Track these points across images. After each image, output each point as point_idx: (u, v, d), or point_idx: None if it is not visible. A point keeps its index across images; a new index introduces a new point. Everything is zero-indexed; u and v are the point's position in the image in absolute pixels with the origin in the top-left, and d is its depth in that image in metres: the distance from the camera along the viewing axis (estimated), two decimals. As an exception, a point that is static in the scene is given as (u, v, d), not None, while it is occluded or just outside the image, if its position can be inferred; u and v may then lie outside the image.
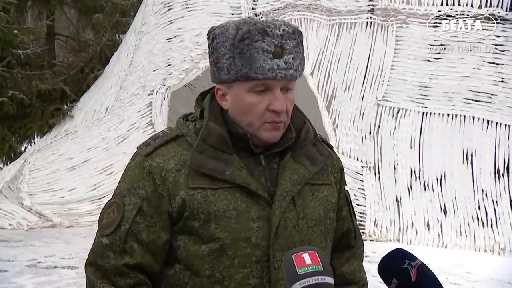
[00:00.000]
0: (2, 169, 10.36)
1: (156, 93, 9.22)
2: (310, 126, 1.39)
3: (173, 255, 1.29)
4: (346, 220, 1.47)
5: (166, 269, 1.31)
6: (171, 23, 9.59)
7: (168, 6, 9.74)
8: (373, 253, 5.79)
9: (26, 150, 11.37)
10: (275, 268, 1.26)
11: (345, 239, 1.49)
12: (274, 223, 1.26)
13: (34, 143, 11.46)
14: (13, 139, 11.20)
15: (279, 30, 1.24)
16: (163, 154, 1.29)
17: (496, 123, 7.58)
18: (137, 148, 1.35)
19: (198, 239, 1.26)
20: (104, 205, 1.35)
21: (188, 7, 9.57)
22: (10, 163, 10.54)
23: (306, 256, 1.00)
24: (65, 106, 10.85)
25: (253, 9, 9.21)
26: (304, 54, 1.31)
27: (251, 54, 1.22)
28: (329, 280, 0.98)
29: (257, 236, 1.26)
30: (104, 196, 8.34)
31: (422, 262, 1.12)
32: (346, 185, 1.50)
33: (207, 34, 1.32)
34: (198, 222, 1.25)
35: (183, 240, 1.27)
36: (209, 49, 1.32)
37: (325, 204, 1.36)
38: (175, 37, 9.48)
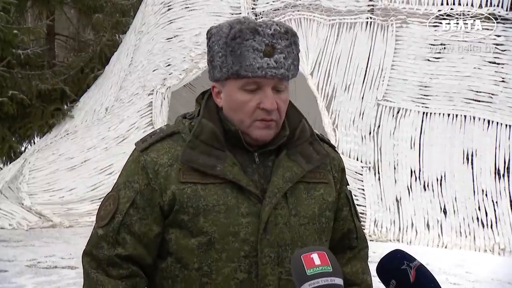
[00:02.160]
0: (2, 169, 10.36)
1: (156, 93, 9.22)
2: (307, 125, 1.39)
3: (165, 248, 1.32)
4: (346, 220, 1.47)
5: (160, 262, 1.33)
6: (171, 23, 9.59)
7: (168, 6, 9.74)
8: (373, 253, 5.76)
9: (26, 150, 11.37)
10: (263, 264, 1.27)
11: (345, 240, 1.48)
12: (263, 218, 1.27)
13: (34, 143, 11.46)
14: (13, 139, 11.20)
15: (270, 30, 1.25)
16: (158, 150, 1.32)
17: (497, 123, 7.56)
18: (135, 144, 1.39)
19: (187, 233, 1.28)
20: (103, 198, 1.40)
21: (188, 7, 9.57)
22: (10, 163, 10.54)
23: (315, 256, 0.99)
24: (65, 106, 10.85)
25: (253, 9, 9.21)
26: (299, 55, 1.31)
27: (242, 52, 1.24)
28: (339, 281, 0.97)
29: (246, 231, 1.27)
30: (104, 196, 8.32)
31: (421, 263, 1.12)
32: (348, 185, 1.50)
33: (206, 34, 1.35)
34: (187, 216, 1.27)
35: (174, 233, 1.30)
36: (207, 48, 1.35)
37: (321, 202, 1.36)
38: (175, 37, 9.48)
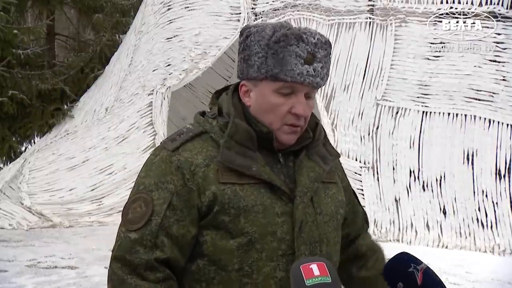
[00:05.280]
0: (2, 169, 10.36)
1: (156, 93, 9.21)
2: (322, 127, 1.45)
3: (197, 250, 1.31)
4: (361, 213, 1.61)
5: (188, 264, 1.32)
6: (171, 22, 9.59)
7: (168, 6, 9.74)
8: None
9: (26, 150, 11.37)
10: None
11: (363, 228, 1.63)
12: (298, 217, 1.31)
13: (34, 143, 11.46)
14: (13, 139, 11.21)
15: (314, 38, 1.29)
16: (190, 149, 1.32)
17: (498, 122, 7.52)
18: (161, 143, 1.37)
19: (226, 234, 1.28)
20: (127, 201, 1.35)
21: (188, 7, 9.57)
22: (10, 163, 10.54)
23: (314, 267, 1.00)
24: (65, 106, 10.86)
25: (252, 8, 9.21)
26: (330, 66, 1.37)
27: (284, 56, 1.27)
28: None
29: (282, 230, 1.30)
30: (104, 196, 8.33)
31: (428, 266, 1.12)
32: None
33: (241, 32, 1.36)
34: (228, 217, 1.28)
35: (210, 235, 1.29)
36: (240, 46, 1.36)
37: (335, 201, 1.42)
38: (174, 36, 9.48)
